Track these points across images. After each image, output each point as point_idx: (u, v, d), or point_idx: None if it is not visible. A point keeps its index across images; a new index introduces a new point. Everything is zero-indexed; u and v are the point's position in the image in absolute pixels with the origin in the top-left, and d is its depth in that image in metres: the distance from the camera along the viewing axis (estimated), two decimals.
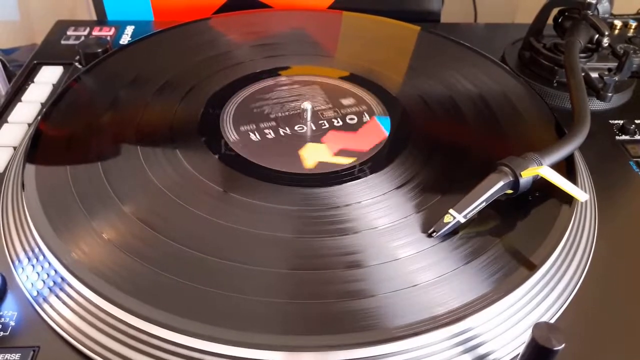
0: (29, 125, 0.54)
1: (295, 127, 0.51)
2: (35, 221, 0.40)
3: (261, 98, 0.54)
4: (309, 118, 0.51)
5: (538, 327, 0.30)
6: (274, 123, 0.51)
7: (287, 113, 0.52)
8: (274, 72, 0.58)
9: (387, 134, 0.50)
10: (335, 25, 0.68)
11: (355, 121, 0.52)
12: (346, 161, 0.47)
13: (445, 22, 0.78)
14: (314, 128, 0.51)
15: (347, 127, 0.51)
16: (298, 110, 0.52)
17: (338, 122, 0.52)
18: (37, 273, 0.39)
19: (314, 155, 0.48)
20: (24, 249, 0.40)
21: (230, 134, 0.49)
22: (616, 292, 0.41)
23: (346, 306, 0.36)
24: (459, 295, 0.36)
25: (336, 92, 0.55)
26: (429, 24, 0.71)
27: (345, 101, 0.54)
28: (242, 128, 0.50)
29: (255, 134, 0.50)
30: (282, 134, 0.50)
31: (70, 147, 0.47)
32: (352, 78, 0.57)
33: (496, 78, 0.57)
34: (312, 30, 0.66)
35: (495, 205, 0.41)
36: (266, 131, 0.50)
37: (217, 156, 0.47)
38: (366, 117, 0.52)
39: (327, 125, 0.51)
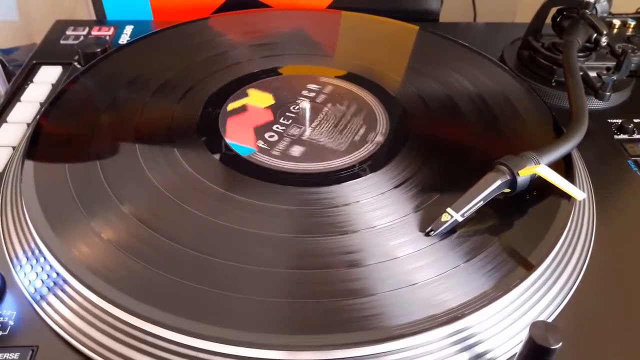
0: (28, 125, 0.54)
1: (295, 127, 0.51)
2: (34, 221, 0.40)
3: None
4: (307, 117, 0.51)
5: (535, 326, 0.30)
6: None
7: (286, 112, 0.52)
8: (273, 72, 0.58)
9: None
10: (334, 24, 0.68)
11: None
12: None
13: (444, 21, 0.78)
14: (313, 127, 0.51)
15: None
16: (297, 110, 0.52)
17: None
18: (36, 272, 0.39)
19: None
20: (23, 249, 0.41)
21: (226, 123, 0.49)
22: (614, 291, 0.41)
23: (345, 305, 0.36)
24: (457, 294, 0.36)
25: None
26: (428, 24, 0.71)
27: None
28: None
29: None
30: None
31: (69, 147, 0.47)
32: (350, 77, 0.57)
33: (495, 77, 0.57)
34: (311, 30, 0.66)
35: (493, 204, 0.42)
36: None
37: (216, 156, 0.47)
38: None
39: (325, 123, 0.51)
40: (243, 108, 0.52)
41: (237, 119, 0.51)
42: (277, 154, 0.48)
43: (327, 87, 0.56)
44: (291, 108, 0.53)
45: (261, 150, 0.48)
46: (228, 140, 0.48)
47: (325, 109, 0.53)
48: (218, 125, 0.50)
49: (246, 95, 0.54)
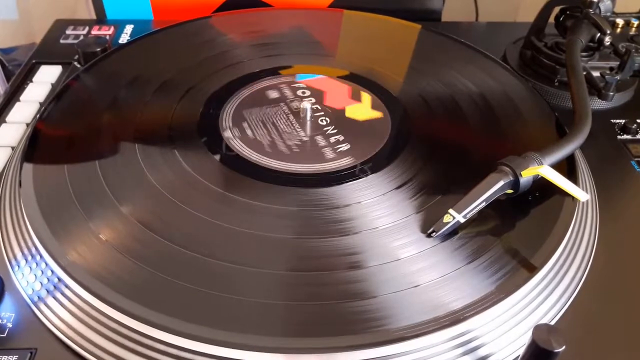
0: (27, 125, 0.54)
1: (295, 126, 0.50)
2: (33, 222, 0.40)
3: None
4: (308, 117, 0.51)
5: (538, 328, 0.30)
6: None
7: (286, 112, 0.52)
8: (274, 72, 0.58)
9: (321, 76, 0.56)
10: (335, 24, 0.68)
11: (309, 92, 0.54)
12: (366, 97, 0.54)
13: (447, 20, 0.78)
14: (312, 126, 0.51)
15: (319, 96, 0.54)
16: (297, 110, 0.52)
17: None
18: (35, 274, 0.39)
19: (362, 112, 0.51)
20: (21, 250, 0.40)
21: (230, 134, 0.49)
22: (617, 294, 0.41)
23: (347, 307, 0.36)
24: (459, 297, 0.36)
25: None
26: (430, 23, 0.71)
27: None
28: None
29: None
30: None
31: (68, 147, 0.47)
32: (352, 77, 0.57)
33: (497, 77, 0.57)
34: (312, 29, 0.66)
35: (495, 205, 0.41)
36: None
37: (216, 157, 0.47)
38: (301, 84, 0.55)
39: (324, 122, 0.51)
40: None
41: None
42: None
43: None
44: (289, 109, 0.53)
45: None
46: None
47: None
48: (218, 125, 0.50)
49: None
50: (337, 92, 0.55)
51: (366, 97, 0.54)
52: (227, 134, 0.49)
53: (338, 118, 0.52)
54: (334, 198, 0.43)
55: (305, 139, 0.49)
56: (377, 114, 0.52)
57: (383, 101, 0.54)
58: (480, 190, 0.41)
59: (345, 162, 0.47)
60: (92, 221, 0.40)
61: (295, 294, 0.37)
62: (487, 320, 0.36)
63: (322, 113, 0.52)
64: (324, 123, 0.51)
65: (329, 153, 0.48)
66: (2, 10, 0.84)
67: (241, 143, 0.48)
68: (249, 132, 0.50)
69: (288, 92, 0.55)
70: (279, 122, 0.51)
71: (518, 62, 0.64)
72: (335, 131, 0.50)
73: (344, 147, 0.48)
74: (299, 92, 0.55)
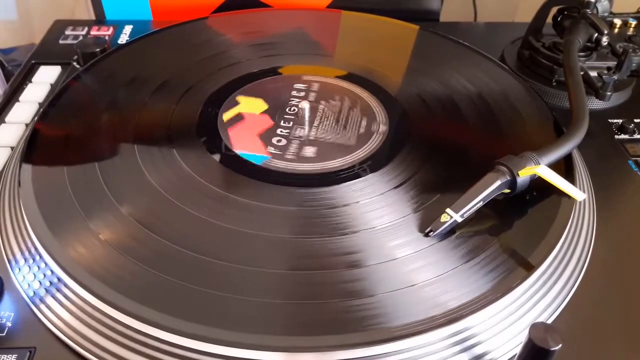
0: (27, 125, 0.54)
1: (294, 126, 0.51)
2: (32, 221, 0.40)
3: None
4: (307, 117, 0.51)
5: (535, 327, 0.30)
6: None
7: (285, 112, 0.52)
8: (272, 72, 0.58)
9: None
10: (334, 24, 0.68)
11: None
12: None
13: (445, 21, 0.78)
14: (312, 126, 0.51)
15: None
16: (296, 109, 0.52)
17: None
18: (34, 274, 0.39)
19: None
20: (20, 250, 0.40)
21: (229, 134, 0.49)
22: (614, 293, 0.41)
23: (345, 306, 0.36)
24: (456, 296, 0.36)
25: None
26: (429, 23, 0.71)
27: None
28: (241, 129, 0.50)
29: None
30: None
31: (67, 147, 0.47)
32: (351, 77, 0.57)
33: (495, 77, 0.57)
34: (311, 29, 0.66)
35: (492, 205, 0.41)
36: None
37: (215, 156, 0.47)
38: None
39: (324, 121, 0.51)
40: (239, 117, 0.52)
41: (238, 128, 0.50)
42: (289, 157, 0.47)
43: (314, 84, 0.56)
44: (287, 110, 0.53)
45: (274, 156, 0.47)
46: (238, 152, 0.47)
47: (321, 106, 0.53)
48: (217, 128, 0.50)
49: (237, 103, 0.53)
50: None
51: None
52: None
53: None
54: (332, 198, 0.44)
55: (312, 137, 0.50)
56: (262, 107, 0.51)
57: (382, 101, 0.54)
58: (477, 189, 0.41)
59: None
60: (91, 221, 0.41)
61: (294, 292, 0.37)
62: (484, 319, 0.36)
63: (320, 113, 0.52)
64: (324, 119, 0.51)
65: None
66: (2, 11, 0.84)
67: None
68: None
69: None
70: (277, 120, 0.51)
71: (516, 62, 0.64)
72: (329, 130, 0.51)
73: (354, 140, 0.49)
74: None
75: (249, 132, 0.50)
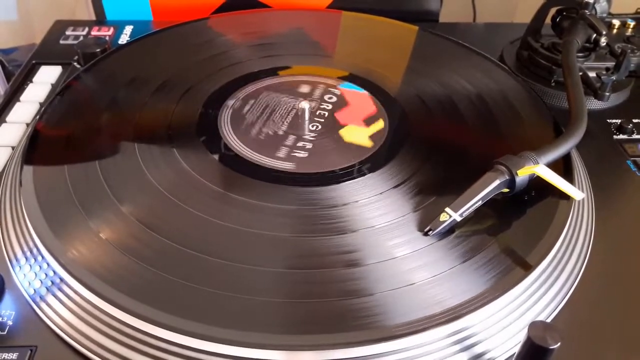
0: (27, 125, 0.54)
1: (294, 126, 0.51)
2: (33, 220, 0.40)
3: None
4: (306, 117, 0.51)
5: (534, 326, 0.30)
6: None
7: (284, 112, 0.52)
8: (272, 72, 0.58)
9: (364, 92, 0.55)
10: (334, 25, 0.68)
11: (335, 99, 0.54)
12: (379, 126, 0.51)
13: (444, 21, 0.78)
14: (311, 126, 0.51)
15: (340, 105, 0.53)
16: (295, 109, 0.52)
17: (328, 106, 0.53)
18: (35, 272, 0.39)
19: (356, 136, 0.50)
20: (21, 249, 0.41)
21: (229, 134, 0.50)
22: (613, 292, 0.41)
23: (344, 305, 0.36)
24: (455, 294, 0.36)
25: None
26: (428, 24, 0.71)
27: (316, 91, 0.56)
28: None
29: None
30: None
31: (68, 147, 0.47)
32: (350, 78, 0.57)
33: (494, 78, 0.57)
34: (311, 30, 0.66)
35: (491, 204, 0.42)
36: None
37: (215, 156, 0.47)
38: (336, 91, 0.55)
39: (323, 120, 0.51)
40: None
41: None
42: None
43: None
44: (286, 110, 0.53)
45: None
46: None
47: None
48: (217, 125, 0.50)
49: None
50: (352, 109, 0.54)
51: (376, 126, 0.51)
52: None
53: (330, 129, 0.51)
54: (332, 197, 0.44)
55: (309, 138, 0.50)
56: (367, 144, 0.49)
57: (381, 101, 0.54)
58: (476, 189, 0.41)
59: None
60: (91, 219, 0.41)
61: (293, 291, 0.37)
62: (483, 318, 0.36)
63: (321, 120, 0.52)
64: (314, 128, 0.51)
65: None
66: (2, 11, 0.84)
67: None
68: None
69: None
70: (278, 121, 0.51)
71: (515, 63, 0.64)
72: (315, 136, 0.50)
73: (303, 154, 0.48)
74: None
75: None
